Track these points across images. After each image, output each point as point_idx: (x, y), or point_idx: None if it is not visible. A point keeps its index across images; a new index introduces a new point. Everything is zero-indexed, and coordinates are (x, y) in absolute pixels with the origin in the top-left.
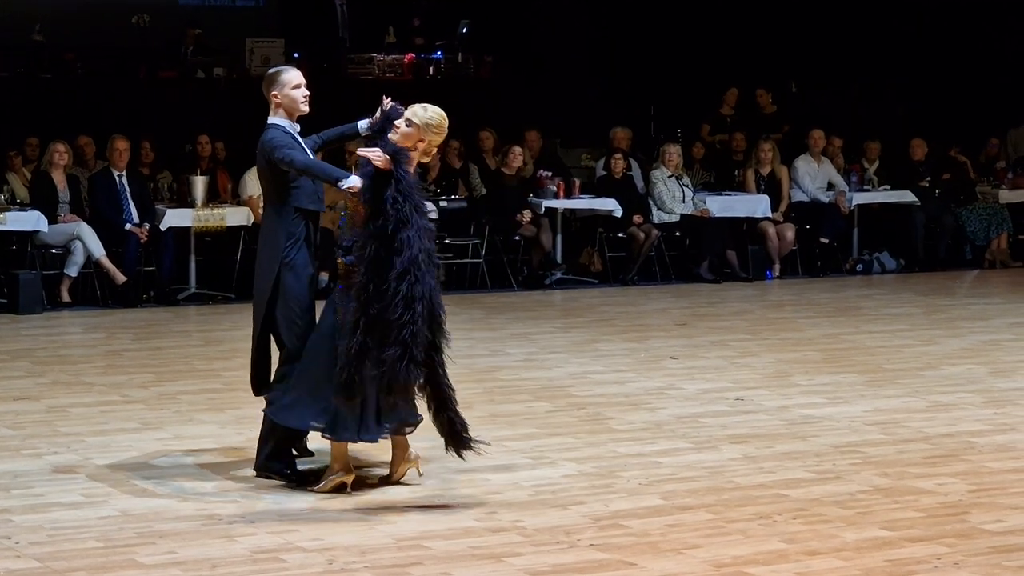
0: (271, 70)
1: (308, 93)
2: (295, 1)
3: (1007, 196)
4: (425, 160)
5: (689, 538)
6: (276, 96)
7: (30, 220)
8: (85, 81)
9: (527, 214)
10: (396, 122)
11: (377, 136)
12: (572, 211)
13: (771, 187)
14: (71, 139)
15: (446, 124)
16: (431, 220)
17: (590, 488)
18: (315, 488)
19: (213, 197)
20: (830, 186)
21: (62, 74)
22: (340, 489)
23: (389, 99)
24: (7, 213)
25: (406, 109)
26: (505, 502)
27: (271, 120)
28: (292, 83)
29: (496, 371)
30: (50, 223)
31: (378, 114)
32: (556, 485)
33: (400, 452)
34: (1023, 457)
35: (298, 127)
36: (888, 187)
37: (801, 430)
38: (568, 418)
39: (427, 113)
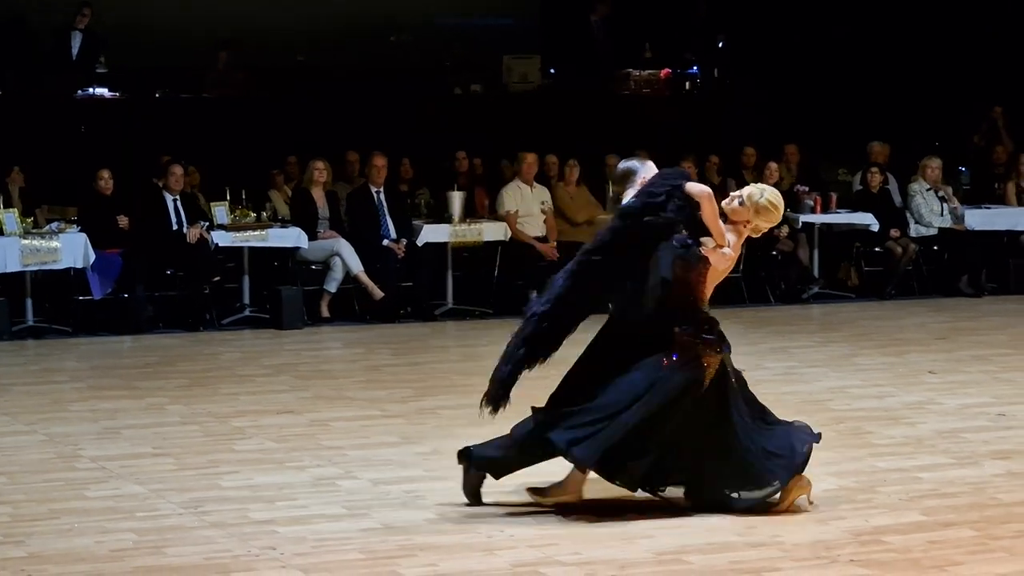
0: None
1: None
2: (552, 18)
3: None
4: (754, 235)
5: (952, 555)
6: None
7: (291, 237)
8: (343, 99)
9: (784, 229)
10: (732, 193)
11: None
12: (829, 225)
13: None
14: (332, 156)
15: (779, 213)
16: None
17: (850, 503)
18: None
19: (470, 213)
20: None
21: (323, 94)
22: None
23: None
24: (269, 230)
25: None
26: (764, 517)
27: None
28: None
29: (755, 385)
30: (310, 239)
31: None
32: (817, 499)
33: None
34: None
35: None
36: None
37: None
38: (828, 432)
39: (762, 198)
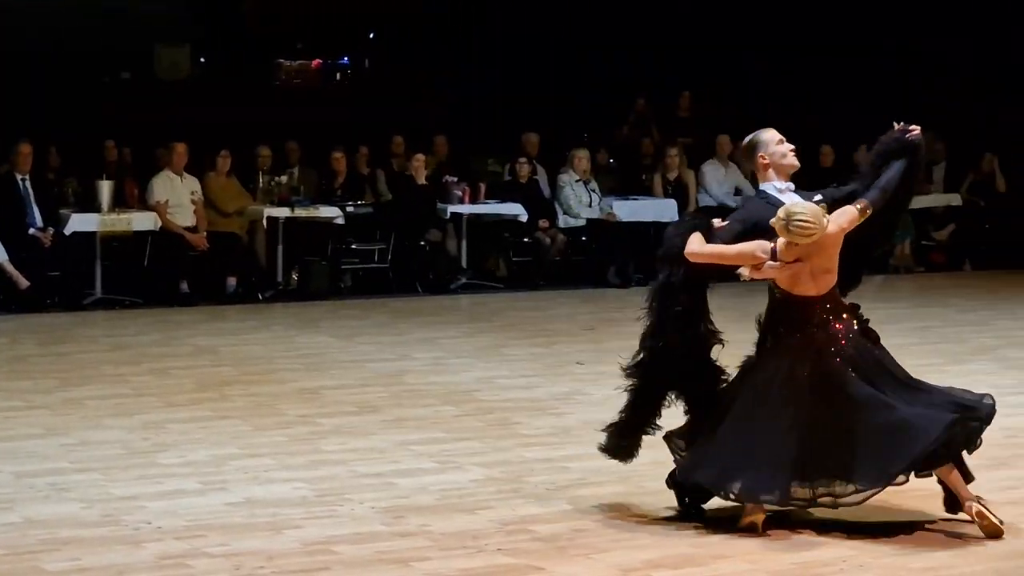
0: (748, 137)
1: (792, 147)
2: (202, 6)
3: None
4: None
5: (597, 543)
6: (764, 159)
7: None
8: None
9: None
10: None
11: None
12: (478, 216)
13: (678, 192)
14: None
15: (811, 229)
16: None
17: (497, 493)
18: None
19: (120, 202)
20: (737, 191)
21: None
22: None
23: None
24: None
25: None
26: (412, 506)
27: (760, 186)
28: (775, 139)
29: (403, 375)
30: None
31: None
32: (463, 490)
33: None
34: None
35: (791, 184)
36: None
37: None
38: (475, 423)
39: (792, 219)
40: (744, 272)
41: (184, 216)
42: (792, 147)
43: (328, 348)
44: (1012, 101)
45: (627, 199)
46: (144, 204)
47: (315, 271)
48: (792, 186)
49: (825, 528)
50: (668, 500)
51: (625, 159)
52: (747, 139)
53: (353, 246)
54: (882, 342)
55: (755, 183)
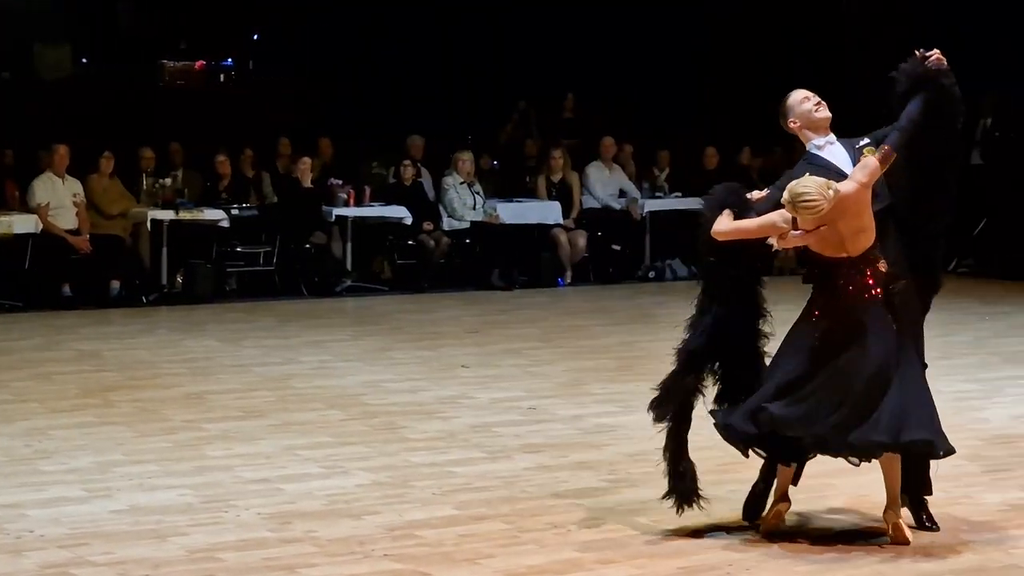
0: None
1: (819, 99)
2: (80, 5)
3: None
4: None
5: (483, 548)
6: (794, 122)
7: None
8: None
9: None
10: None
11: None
12: (363, 218)
13: (562, 194)
14: None
15: (817, 204)
16: None
17: (384, 498)
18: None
19: (0, 205)
20: (622, 193)
21: None
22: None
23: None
24: None
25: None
26: (299, 512)
27: (807, 148)
28: (799, 98)
29: (289, 379)
30: None
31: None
32: (350, 495)
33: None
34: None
35: (830, 136)
36: (680, 194)
37: (595, 439)
38: (361, 427)
39: (797, 200)
40: (773, 243)
41: (66, 218)
42: (818, 100)
43: (213, 352)
44: None
45: (511, 201)
46: (25, 206)
47: (200, 274)
48: (832, 138)
49: (717, 533)
50: (554, 507)
51: (508, 161)
52: (780, 106)
53: (238, 249)
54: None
55: (639, 184)
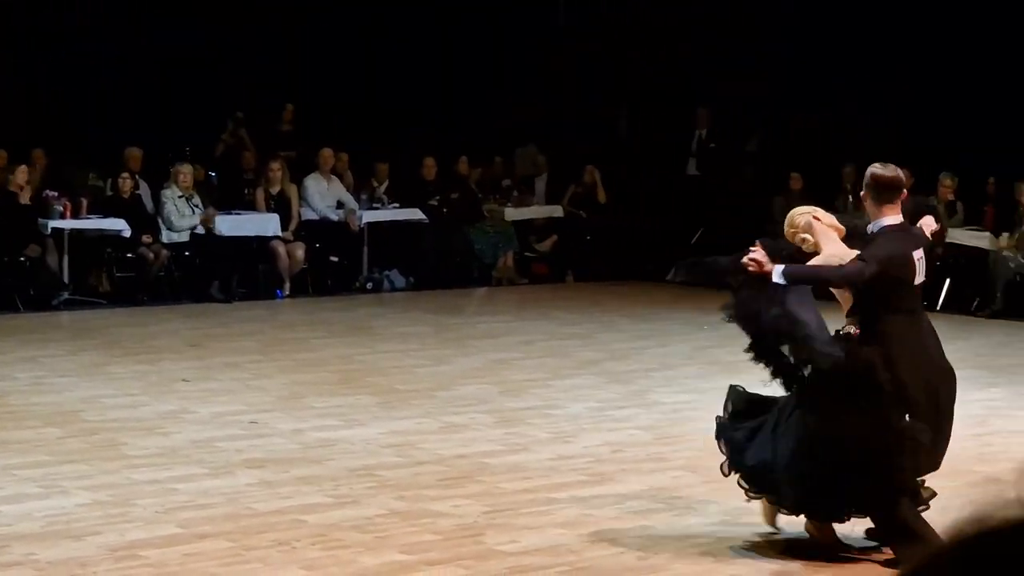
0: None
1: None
2: None
3: (512, 214)
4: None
5: (208, 567)
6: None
7: None
8: None
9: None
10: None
11: None
12: (80, 231)
13: (281, 206)
14: None
15: (794, 220)
16: None
17: (105, 517)
18: None
19: None
20: (340, 204)
21: None
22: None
23: None
24: None
25: None
26: (17, 534)
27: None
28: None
29: (4, 396)
30: None
31: None
32: (70, 515)
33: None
34: (534, 477)
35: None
36: (398, 205)
37: (317, 453)
38: (80, 444)
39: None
40: None
41: None
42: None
43: None
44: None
45: (229, 213)
46: None
47: None
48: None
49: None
50: (278, 523)
51: (226, 173)
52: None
53: None
54: (484, 356)
55: (358, 195)
